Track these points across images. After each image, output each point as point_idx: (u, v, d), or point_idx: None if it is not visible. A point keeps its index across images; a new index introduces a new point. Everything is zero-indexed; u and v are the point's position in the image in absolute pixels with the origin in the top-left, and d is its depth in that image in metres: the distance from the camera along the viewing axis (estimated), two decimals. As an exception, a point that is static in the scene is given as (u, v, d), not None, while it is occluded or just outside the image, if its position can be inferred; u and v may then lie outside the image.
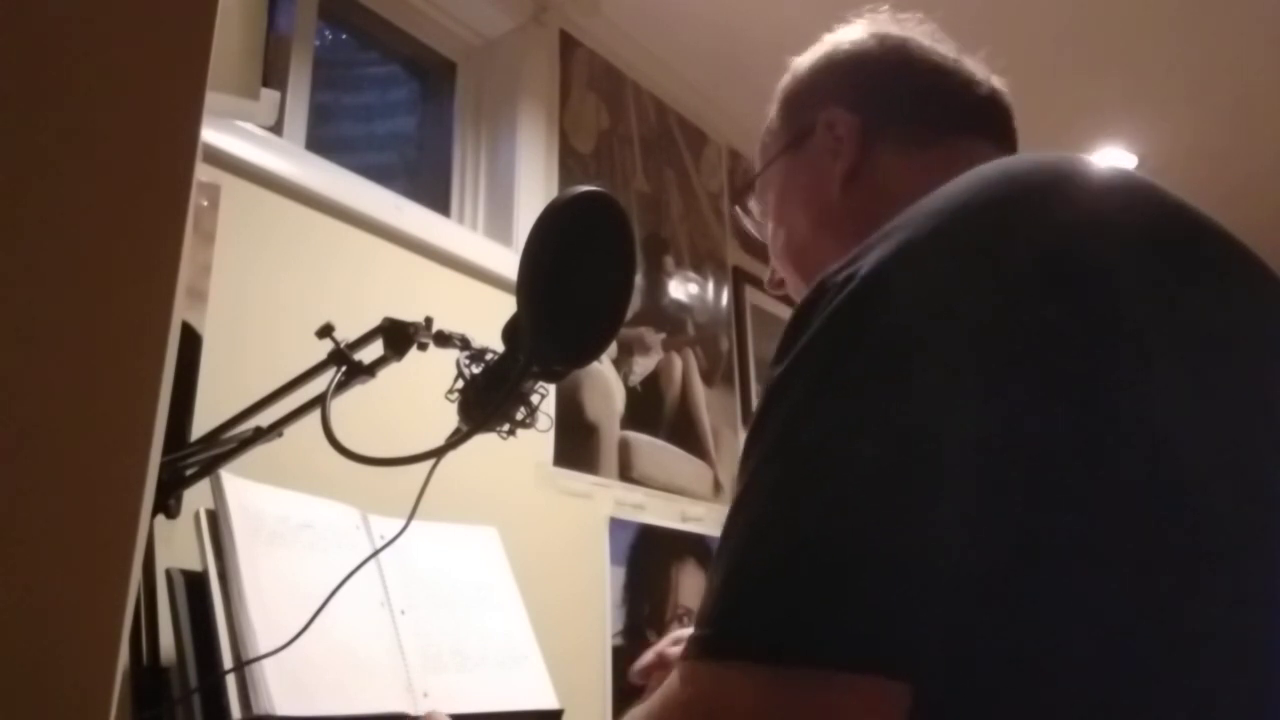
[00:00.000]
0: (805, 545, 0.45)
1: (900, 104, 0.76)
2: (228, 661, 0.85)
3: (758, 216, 0.89)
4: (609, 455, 1.84)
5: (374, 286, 1.46)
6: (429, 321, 0.85)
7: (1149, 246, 0.54)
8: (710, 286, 2.28)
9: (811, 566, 0.44)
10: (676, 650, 0.85)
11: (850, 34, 0.81)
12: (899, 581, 0.43)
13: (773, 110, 0.85)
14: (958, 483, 0.45)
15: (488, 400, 0.76)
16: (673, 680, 0.49)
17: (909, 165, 0.74)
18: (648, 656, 0.86)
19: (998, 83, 0.79)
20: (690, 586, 1.94)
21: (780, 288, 0.87)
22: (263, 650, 0.85)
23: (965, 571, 0.44)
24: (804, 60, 0.84)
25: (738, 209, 0.92)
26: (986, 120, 0.77)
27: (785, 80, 0.85)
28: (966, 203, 0.53)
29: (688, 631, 0.86)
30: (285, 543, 0.97)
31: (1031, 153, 0.60)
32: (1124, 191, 0.57)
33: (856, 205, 0.75)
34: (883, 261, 0.50)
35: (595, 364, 1.70)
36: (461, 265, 1.62)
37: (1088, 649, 0.45)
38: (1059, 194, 0.54)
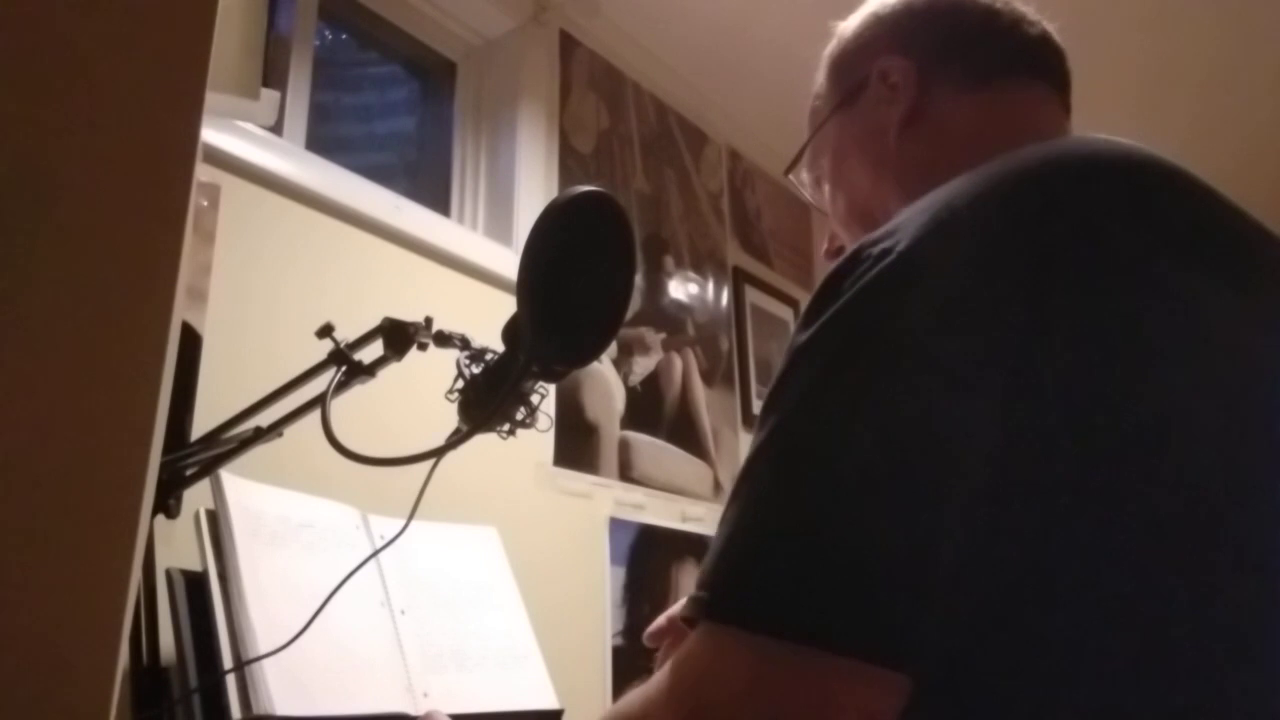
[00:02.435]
0: (811, 523, 0.45)
1: (954, 45, 0.75)
2: (228, 661, 0.85)
3: (810, 184, 0.87)
4: (609, 455, 1.84)
5: (374, 286, 1.46)
6: (429, 321, 0.85)
7: (1181, 235, 0.54)
8: (710, 286, 2.28)
9: (824, 550, 0.44)
10: None
11: None
12: (902, 574, 0.44)
13: (820, 76, 0.84)
14: (965, 476, 0.45)
15: (488, 400, 0.75)
16: (679, 649, 0.49)
17: (967, 105, 0.72)
18: (660, 621, 0.86)
19: (1048, 25, 0.77)
20: (690, 586, 1.93)
21: (838, 255, 0.85)
22: (263, 650, 0.85)
23: (968, 567, 0.44)
24: (849, 24, 0.82)
25: (791, 179, 0.89)
26: (1040, 61, 0.75)
27: (831, 46, 0.83)
28: (1004, 193, 0.53)
29: None
30: (285, 543, 0.97)
31: (1075, 137, 0.60)
32: (1159, 177, 0.57)
33: (918, 150, 0.73)
34: (917, 240, 0.50)
35: (595, 364, 1.70)
36: (461, 265, 1.62)
37: (1089, 644, 0.45)
38: (1095, 182, 0.54)
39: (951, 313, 0.48)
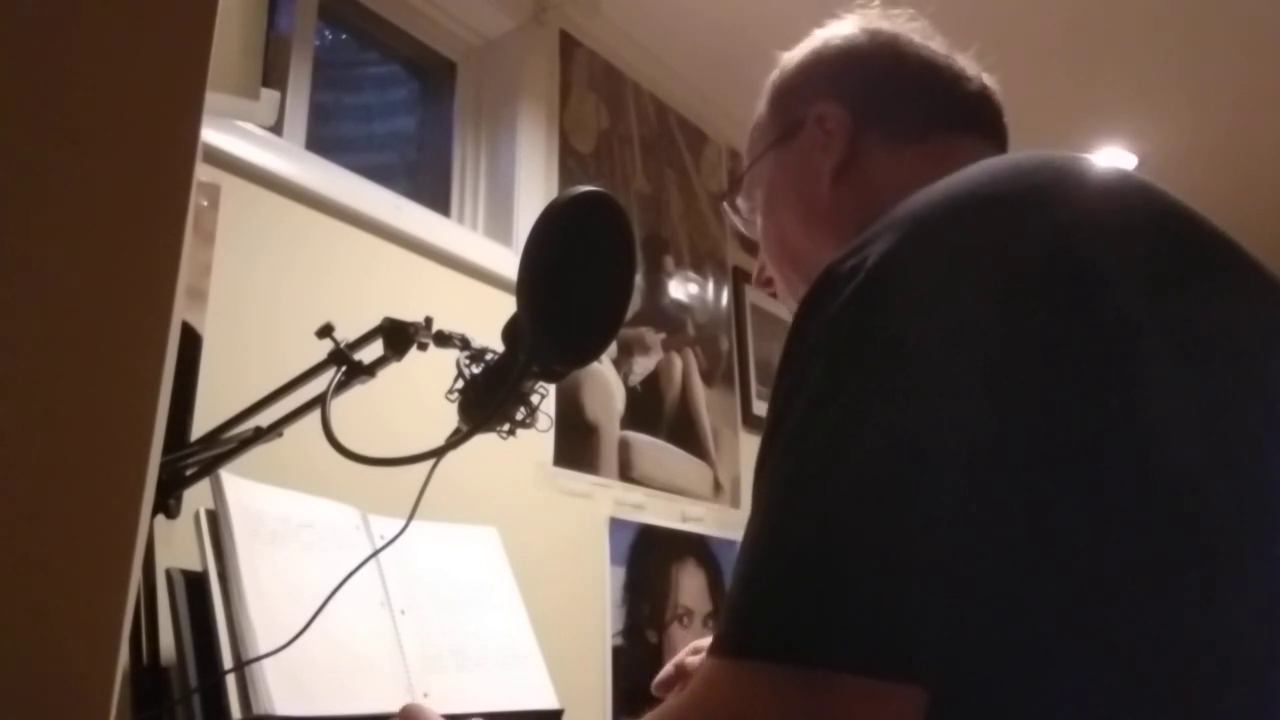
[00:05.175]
0: (819, 550, 0.45)
1: (891, 99, 0.76)
2: (228, 661, 0.85)
3: (745, 214, 0.87)
4: (609, 455, 1.84)
5: (374, 286, 1.46)
6: (429, 321, 0.85)
7: (1152, 247, 0.54)
8: (710, 286, 2.28)
9: (825, 572, 0.45)
10: (695, 660, 0.84)
11: (840, 29, 0.81)
12: (907, 587, 0.44)
13: (761, 105, 0.84)
14: (962, 486, 0.45)
15: (488, 400, 0.75)
16: (696, 679, 0.49)
17: (899, 160, 0.73)
18: (667, 670, 0.86)
19: (988, 79, 0.78)
20: (690, 586, 1.94)
21: (769, 285, 0.85)
22: (263, 650, 0.85)
23: (972, 576, 0.44)
24: (793, 55, 0.83)
25: (726, 207, 0.90)
26: (977, 116, 0.76)
27: (774, 75, 0.84)
28: (973, 195, 0.53)
29: (706, 641, 0.87)
30: (285, 543, 0.97)
31: (1036, 149, 0.60)
32: (1128, 191, 0.57)
33: (847, 200, 0.74)
34: (889, 253, 0.50)
35: (595, 364, 1.70)
36: (461, 265, 1.62)
37: (1093, 651, 0.45)
38: (1067, 192, 0.54)
39: (928, 324, 0.47)
